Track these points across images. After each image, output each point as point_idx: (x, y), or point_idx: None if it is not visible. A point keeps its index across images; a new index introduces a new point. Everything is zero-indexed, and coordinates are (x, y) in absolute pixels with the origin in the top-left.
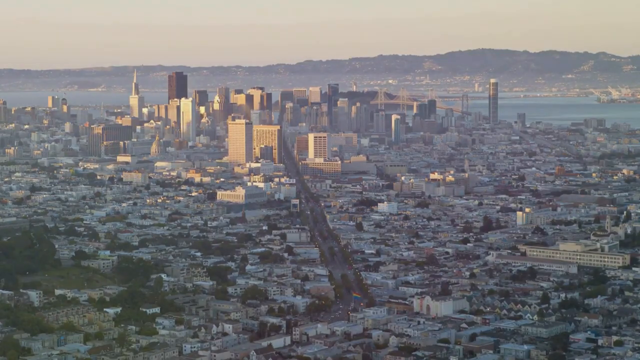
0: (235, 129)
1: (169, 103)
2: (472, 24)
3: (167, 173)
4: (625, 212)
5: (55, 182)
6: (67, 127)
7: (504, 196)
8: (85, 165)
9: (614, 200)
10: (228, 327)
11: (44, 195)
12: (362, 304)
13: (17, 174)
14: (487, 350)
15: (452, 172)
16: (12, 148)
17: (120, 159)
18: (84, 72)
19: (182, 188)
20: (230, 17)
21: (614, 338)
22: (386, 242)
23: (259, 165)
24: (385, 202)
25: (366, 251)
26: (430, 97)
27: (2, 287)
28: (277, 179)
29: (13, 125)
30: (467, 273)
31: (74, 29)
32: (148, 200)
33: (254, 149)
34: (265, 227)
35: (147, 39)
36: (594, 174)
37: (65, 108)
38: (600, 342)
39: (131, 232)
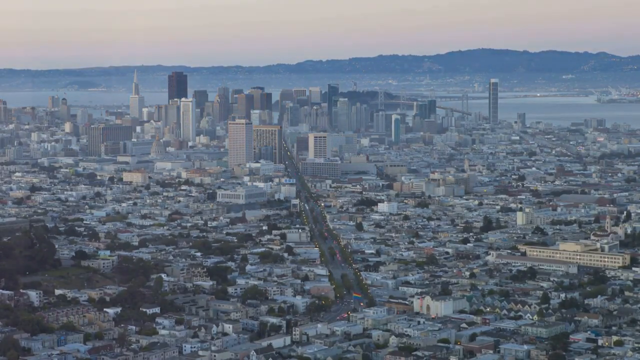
0: (235, 129)
1: (169, 103)
2: (472, 24)
3: (167, 173)
4: (625, 212)
5: (55, 182)
6: (67, 127)
7: (504, 196)
8: (85, 165)
9: (614, 200)
10: (228, 327)
11: (44, 195)
12: (362, 304)
13: (17, 174)
14: (487, 350)
15: (452, 172)
16: (12, 148)
17: (120, 159)
18: (84, 72)
19: (182, 188)
20: (230, 16)
21: (614, 338)
22: (386, 242)
23: (259, 165)
24: (385, 202)
25: (366, 251)
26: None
27: (2, 287)
28: (277, 179)
29: (13, 125)
30: (467, 273)
31: (75, 28)
32: (148, 200)
33: (254, 149)
34: (265, 227)
35: (147, 39)
36: (594, 174)
37: (65, 108)
38: (600, 342)
39: (131, 232)
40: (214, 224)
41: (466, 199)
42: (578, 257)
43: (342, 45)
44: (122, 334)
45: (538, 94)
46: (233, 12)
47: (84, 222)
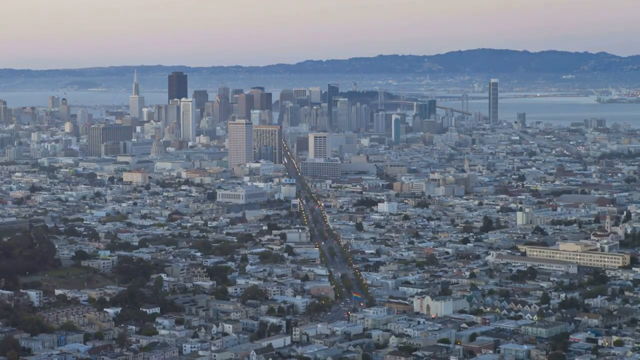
0: (235, 129)
1: (169, 103)
2: (472, 24)
3: (167, 173)
4: (625, 212)
5: (55, 182)
6: (67, 127)
7: (504, 196)
8: (85, 165)
9: (614, 200)
10: (228, 327)
11: (44, 195)
12: (362, 304)
13: (17, 174)
14: (487, 350)
15: (452, 172)
16: (12, 148)
17: (120, 159)
18: (84, 72)
19: (182, 188)
20: (230, 16)
21: (614, 338)
22: (386, 242)
23: (259, 165)
24: (385, 202)
25: (366, 251)
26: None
27: (2, 287)
28: (277, 179)
29: (13, 125)
30: (467, 273)
31: (75, 28)
32: (148, 200)
33: (254, 149)
34: (265, 227)
35: (147, 39)
36: (594, 174)
37: (65, 108)
38: (600, 342)
39: (131, 232)
40: (214, 224)
41: (466, 199)
42: (578, 257)
43: (342, 45)
44: (122, 334)
45: (538, 94)
46: (233, 12)
47: (84, 222)
